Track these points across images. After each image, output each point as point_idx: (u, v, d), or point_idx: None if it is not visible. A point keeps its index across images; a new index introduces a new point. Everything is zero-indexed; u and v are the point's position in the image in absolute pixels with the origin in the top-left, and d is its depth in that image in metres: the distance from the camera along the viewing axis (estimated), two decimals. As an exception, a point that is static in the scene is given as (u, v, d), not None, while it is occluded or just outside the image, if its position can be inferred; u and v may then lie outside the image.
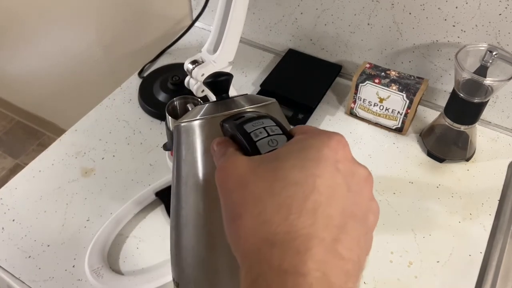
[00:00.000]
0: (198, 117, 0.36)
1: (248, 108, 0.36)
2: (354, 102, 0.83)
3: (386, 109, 0.80)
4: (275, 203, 0.26)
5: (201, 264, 0.35)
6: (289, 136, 0.32)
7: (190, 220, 0.36)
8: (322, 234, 0.25)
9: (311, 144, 0.28)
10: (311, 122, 0.84)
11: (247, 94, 0.39)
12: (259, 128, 0.32)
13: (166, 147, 0.64)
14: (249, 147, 0.31)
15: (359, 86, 0.80)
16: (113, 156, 0.80)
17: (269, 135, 0.31)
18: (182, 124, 0.37)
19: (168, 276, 0.63)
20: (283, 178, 0.26)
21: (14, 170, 1.88)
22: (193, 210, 0.36)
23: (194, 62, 0.59)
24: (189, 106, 0.57)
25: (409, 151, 0.80)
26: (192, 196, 0.36)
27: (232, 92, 0.64)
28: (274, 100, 0.39)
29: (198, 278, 0.35)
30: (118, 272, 0.66)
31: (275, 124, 0.33)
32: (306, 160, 0.27)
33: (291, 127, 0.34)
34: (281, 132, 0.32)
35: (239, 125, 0.33)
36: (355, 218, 0.27)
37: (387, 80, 0.78)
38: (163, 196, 0.73)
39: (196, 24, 1.02)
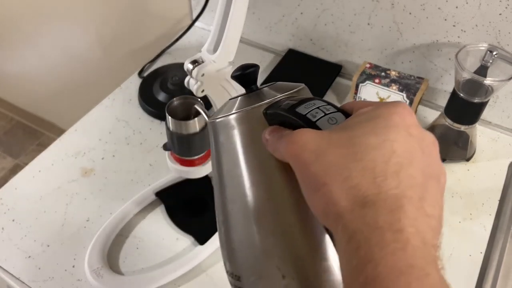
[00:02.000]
0: (234, 111, 0.36)
1: (281, 96, 0.36)
2: (354, 102, 0.83)
3: (386, 109, 0.80)
4: (359, 168, 0.27)
5: (259, 254, 0.35)
6: (344, 112, 0.33)
7: (241, 213, 0.36)
8: (409, 193, 0.26)
9: (378, 114, 0.30)
10: (311, 122, 0.84)
11: (275, 83, 0.40)
12: (313, 109, 0.33)
13: (166, 147, 0.64)
14: (311, 128, 0.31)
15: (359, 86, 0.80)
16: (113, 156, 0.80)
17: (325, 114, 0.32)
18: (218, 120, 0.37)
19: (168, 276, 0.63)
20: (360, 144, 0.28)
21: (14, 170, 1.88)
22: (243, 202, 0.36)
23: (194, 62, 0.59)
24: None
25: (409, 151, 0.80)
26: (240, 189, 0.36)
27: (233, 91, 0.65)
28: (303, 85, 0.39)
29: (259, 267, 0.35)
30: (118, 272, 0.66)
31: (326, 103, 0.33)
32: (377, 128, 0.29)
33: None
34: (335, 110, 0.33)
35: (290, 109, 0.33)
36: (432, 179, 0.29)
37: (387, 80, 0.78)
38: (163, 196, 0.73)
39: (196, 24, 1.02)
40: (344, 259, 0.27)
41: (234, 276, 0.37)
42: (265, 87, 0.38)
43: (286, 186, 0.34)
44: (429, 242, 0.26)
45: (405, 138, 0.28)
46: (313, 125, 0.32)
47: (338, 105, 0.34)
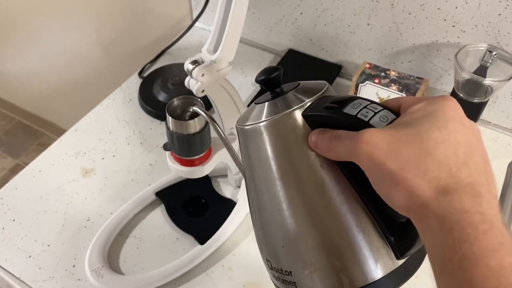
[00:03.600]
0: (264, 119, 0.38)
1: (311, 99, 0.37)
2: (354, 102, 0.83)
3: (386, 109, 0.80)
4: (434, 161, 0.30)
5: (313, 249, 0.36)
6: (390, 110, 0.34)
7: (288, 214, 0.37)
8: (481, 180, 0.30)
9: (434, 109, 0.32)
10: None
11: (298, 84, 0.40)
12: (362, 109, 0.34)
13: (166, 147, 0.64)
14: (365, 127, 0.33)
15: (359, 86, 0.80)
16: (113, 156, 0.81)
17: (375, 112, 0.34)
18: (247, 127, 0.39)
19: (168, 277, 0.63)
20: (429, 139, 0.30)
21: (14, 170, 1.88)
22: (289, 205, 0.37)
23: (194, 62, 0.59)
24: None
25: (409, 151, 0.80)
26: (283, 193, 0.37)
27: (233, 91, 0.65)
28: (326, 84, 0.40)
29: (313, 260, 0.36)
30: (118, 272, 0.66)
31: (370, 102, 0.35)
32: (438, 122, 0.31)
33: None
34: (382, 108, 0.34)
35: (338, 111, 0.35)
36: (488, 163, 0.32)
37: (387, 80, 0.78)
38: (163, 196, 0.73)
39: (196, 24, 1.02)
40: (436, 240, 0.29)
41: (284, 272, 0.38)
42: (290, 90, 0.39)
43: (327, 184, 0.36)
44: (502, 221, 0.29)
45: (463, 129, 0.32)
46: (366, 124, 0.33)
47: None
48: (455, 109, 0.33)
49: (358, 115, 0.34)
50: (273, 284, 0.41)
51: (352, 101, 0.35)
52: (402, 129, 0.32)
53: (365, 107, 0.34)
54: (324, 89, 0.39)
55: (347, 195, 0.35)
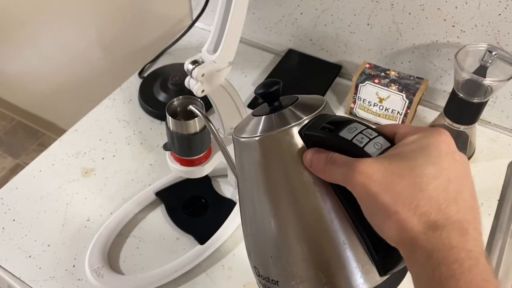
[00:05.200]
0: (259, 134, 0.38)
1: (309, 117, 0.38)
2: (354, 102, 0.83)
3: (386, 109, 0.80)
4: (425, 197, 0.31)
5: (300, 261, 0.37)
6: (385, 136, 0.35)
7: (278, 225, 0.38)
8: (468, 217, 0.31)
9: (428, 142, 0.33)
10: (311, 122, 0.84)
11: (297, 97, 0.41)
12: (357, 134, 0.35)
13: (166, 147, 0.64)
14: (359, 153, 0.34)
15: (359, 86, 0.80)
16: (113, 156, 0.81)
17: (370, 139, 0.35)
18: (242, 140, 0.39)
19: (168, 277, 0.63)
20: (423, 175, 0.32)
21: (15, 170, 1.88)
22: (279, 217, 0.38)
23: (195, 62, 0.59)
24: (191, 106, 0.57)
25: (409, 151, 0.80)
26: (274, 205, 0.38)
27: (233, 91, 0.65)
28: (324, 100, 0.41)
29: (300, 272, 0.37)
30: (118, 272, 0.66)
31: (366, 127, 0.36)
32: (432, 157, 0.32)
33: None
34: (377, 134, 0.35)
35: (334, 134, 0.35)
36: (475, 198, 0.33)
37: (387, 80, 0.78)
38: (163, 196, 0.73)
39: (196, 24, 1.02)
40: (424, 273, 0.30)
41: (271, 281, 0.39)
42: (288, 105, 0.40)
43: (319, 202, 0.37)
44: (486, 258, 0.30)
45: (454, 165, 0.33)
46: (361, 150, 0.34)
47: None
48: (448, 143, 0.34)
49: (353, 140, 0.35)
50: None
51: (349, 124, 0.36)
52: (396, 162, 0.33)
53: (360, 132, 0.35)
54: (322, 106, 0.39)
55: (337, 213, 0.36)
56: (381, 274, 0.36)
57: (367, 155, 0.34)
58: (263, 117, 0.40)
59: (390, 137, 0.36)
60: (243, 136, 0.40)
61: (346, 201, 0.36)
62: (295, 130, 0.37)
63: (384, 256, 0.36)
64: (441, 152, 0.33)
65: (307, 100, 0.41)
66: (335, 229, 0.36)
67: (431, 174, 0.32)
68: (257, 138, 0.38)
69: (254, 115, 0.41)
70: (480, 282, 0.29)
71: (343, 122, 0.36)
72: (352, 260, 0.36)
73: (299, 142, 0.37)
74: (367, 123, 0.36)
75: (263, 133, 0.38)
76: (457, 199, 0.32)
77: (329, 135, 0.36)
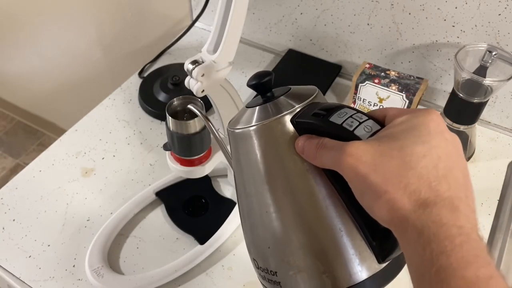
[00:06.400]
0: (254, 123, 0.38)
1: (301, 105, 0.38)
2: (354, 102, 0.83)
3: (385, 109, 0.80)
4: (415, 175, 0.31)
5: (298, 250, 0.37)
6: (375, 119, 0.35)
7: (275, 216, 0.38)
8: (459, 194, 0.31)
9: (418, 122, 0.33)
10: (311, 122, 0.84)
11: (289, 88, 0.41)
12: (347, 119, 0.35)
13: (166, 147, 0.64)
14: (349, 137, 0.34)
15: (359, 86, 0.80)
16: (113, 156, 0.81)
17: (360, 122, 0.35)
18: (238, 131, 0.40)
19: (168, 277, 0.63)
20: (412, 154, 0.32)
21: (15, 170, 1.88)
22: (276, 208, 0.38)
23: (194, 62, 0.59)
24: (190, 106, 0.57)
25: (409, 151, 0.80)
26: (270, 196, 0.38)
27: (233, 91, 0.65)
28: (316, 89, 0.41)
29: (298, 262, 0.37)
30: (118, 272, 0.66)
31: (356, 111, 0.36)
32: (421, 136, 0.32)
33: None
34: (367, 118, 0.35)
35: (325, 119, 0.36)
36: (467, 176, 0.33)
37: (387, 80, 0.78)
38: (163, 196, 0.73)
39: (196, 24, 1.02)
40: (415, 252, 0.30)
41: (270, 271, 0.39)
42: (281, 95, 0.40)
43: (313, 189, 0.37)
44: (479, 234, 0.30)
45: (444, 143, 0.33)
46: (351, 134, 0.34)
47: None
48: (437, 122, 0.34)
49: (343, 124, 0.35)
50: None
51: (339, 109, 0.36)
52: (386, 143, 0.33)
53: (350, 116, 0.35)
54: (314, 95, 0.40)
55: (332, 200, 0.36)
56: (379, 261, 0.36)
57: (357, 138, 0.34)
58: (257, 107, 0.40)
59: (380, 120, 0.36)
60: (237, 127, 0.40)
61: (340, 187, 0.36)
62: (288, 118, 0.38)
63: (381, 242, 0.36)
64: (430, 131, 0.33)
65: (299, 90, 0.41)
66: (330, 216, 0.36)
67: (420, 153, 0.32)
68: (251, 128, 0.39)
69: (247, 107, 0.41)
70: (471, 257, 0.28)
71: (333, 108, 0.36)
72: (349, 248, 0.36)
73: (291, 130, 0.38)
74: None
75: (257, 123, 0.38)
76: (447, 176, 0.31)
77: (320, 121, 0.36)
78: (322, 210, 0.36)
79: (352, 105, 0.84)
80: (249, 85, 0.41)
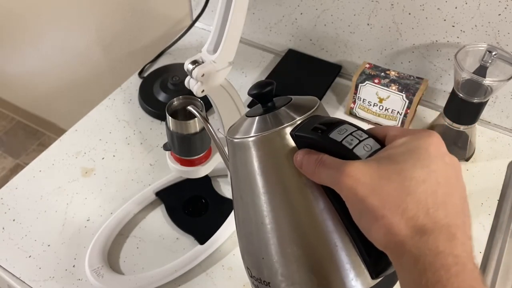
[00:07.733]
0: (253, 134, 0.38)
1: (302, 118, 0.38)
2: (354, 102, 0.83)
3: (385, 109, 0.80)
4: (414, 200, 0.31)
5: (291, 263, 0.37)
6: (375, 138, 0.35)
7: (270, 228, 0.38)
8: (457, 222, 0.31)
9: (418, 145, 0.33)
10: (311, 122, 0.84)
11: (290, 98, 0.41)
12: (347, 136, 0.35)
13: (166, 147, 0.64)
14: (348, 155, 0.34)
15: (359, 86, 0.80)
16: (113, 156, 0.81)
17: (360, 140, 0.34)
18: (236, 141, 0.39)
19: (168, 277, 0.63)
20: (411, 178, 0.31)
21: (15, 170, 1.88)
22: (271, 218, 0.38)
23: (194, 62, 0.59)
24: (190, 107, 0.57)
25: (409, 151, 0.80)
26: (266, 207, 0.38)
27: (233, 91, 0.65)
28: (317, 101, 0.40)
29: (292, 274, 0.37)
30: (118, 272, 0.66)
31: (356, 128, 0.35)
32: (421, 160, 0.32)
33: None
34: (367, 136, 0.35)
35: (324, 135, 0.35)
36: (465, 201, 0.33)
37: (387, 80, 0.78)
38: (163, 196, 0.73)
39: (196, 24, 1.02)
40: (411, 278, 0.30)
41: (263, 282, 0.39)
42: (281, 106, 0.40)
43: (310, 203, 0.37)
44: (475, 263, 0.30)
45: (444, 167, 0.33)
46: (350, 152, 0.34)
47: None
48: (438, 146, 0.33)
49: (343, 142, 0.34)
50: None
51: (339, 126, 0.36)
52: (385, 164, 0.32)
53: (350, 133, 0.35)
54: (315, 107, 0.39)
55: (328, 215, 0.36)
56: (373, 276, 0.36)
57: (356, 157, 0.34)
58: (257, 117, 0.40)
59: (380, 139, 0.36)
60: (236, 137, 0.40)
61: (337, 203, 0.36)
62: (287, 131, 0.37)
63: (376, 259, 0.36)
64: (430, 155, 0.32)
65: (300, 101, 0.41)
66: (326, 230, 0.36)
67: (419, 177, 0.31)
68: (250, 139, 0.38)
69: (247, 115, 0.41)
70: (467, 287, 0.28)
71: (334, 124, 0.36)
72: (344, 262, 0.36)
73: (291, 143, 0.37)
74: (366, 122, 0.36)
75: (256, 134, 0.38)
76: (446, 202, 0.31)
77: (319, 137, 0.36)
78: (318, 224, 0.36)
79: (352, 105, 0.84)
80: (250, 94, 0.41)
